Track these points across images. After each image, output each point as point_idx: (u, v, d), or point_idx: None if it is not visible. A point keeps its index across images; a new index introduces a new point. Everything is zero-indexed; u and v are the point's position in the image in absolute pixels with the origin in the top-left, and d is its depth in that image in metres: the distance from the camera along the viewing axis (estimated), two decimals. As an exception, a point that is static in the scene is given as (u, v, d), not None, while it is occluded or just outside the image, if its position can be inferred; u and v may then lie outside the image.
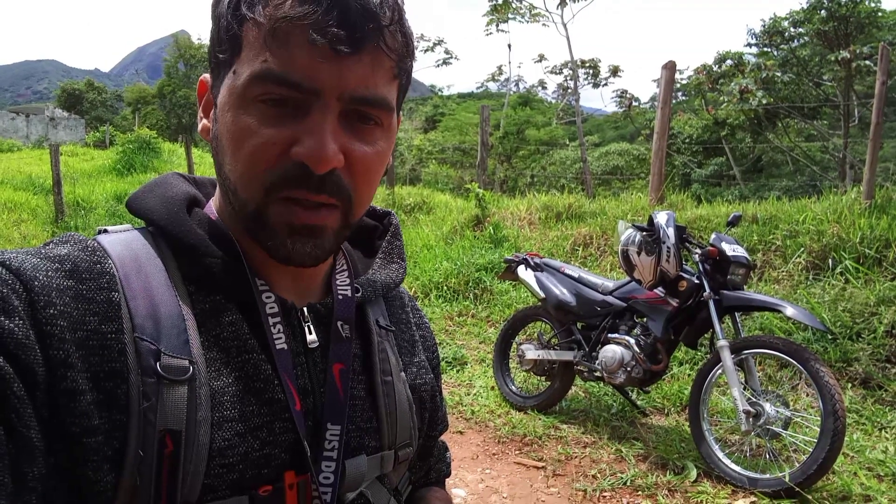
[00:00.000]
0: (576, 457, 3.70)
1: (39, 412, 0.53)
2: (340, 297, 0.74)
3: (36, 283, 0.56)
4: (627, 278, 3.98)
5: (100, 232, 0.69)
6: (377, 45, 0.61)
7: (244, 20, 0.61)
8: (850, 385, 4.21)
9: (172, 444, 0.58)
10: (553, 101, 37.26)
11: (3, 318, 0.52)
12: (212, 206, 0.74)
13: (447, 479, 1.02)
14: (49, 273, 0.58)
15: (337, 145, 0.61)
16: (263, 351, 0.67)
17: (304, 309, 0.72)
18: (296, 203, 0.62)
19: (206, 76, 0.70)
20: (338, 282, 0.76)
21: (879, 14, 17.10)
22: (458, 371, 5.14)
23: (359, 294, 0.76)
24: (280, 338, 0.68)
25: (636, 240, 3.75)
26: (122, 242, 0.66)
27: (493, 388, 4.72)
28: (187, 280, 0.66)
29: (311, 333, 0.71)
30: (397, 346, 0.82)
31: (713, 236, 3.75)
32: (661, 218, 3.74)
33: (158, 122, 33.71)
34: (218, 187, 0.72)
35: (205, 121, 0.71)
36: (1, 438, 0.50)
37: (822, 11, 17.15)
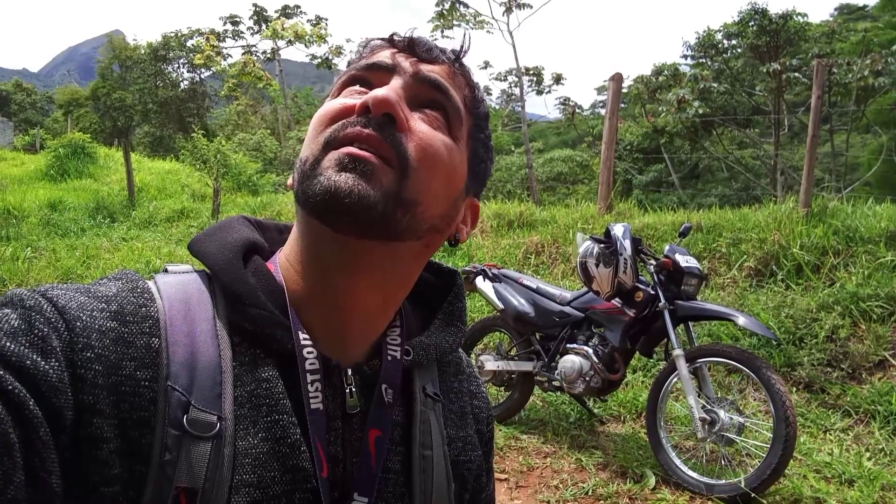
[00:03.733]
0: (537, 468, 3.73)
1: (62, 456, 0.52)
2: (389, 358, 0.70)
3: (78, 323, 0.55)
4: (584, 289, 4.05)
5: (165, 270, 0.68)
6: (452, 65, 0.70)
7: (348, 65, 0.72)
8: (794, 389, 4.39)
9: (187, 502, 0.56)
10: (498, 108, 37.65)
11: (39, 360, 0.51)
12: (276, 257, 0.72)
13: None
14: (94, 313, 0.57)
15: (401, 100, 0.65)
16: (297, 413, 0.63)
17: (349, 370, 0.68)
18: (350, 143, 0.62)
19: None
20: (388, 340, 0.72)
21: (807, 29, 17.94)
22: (415, 382, 5.12)
23: (409, 357, 0.72)
24: (316, 397, 0.64)
25: (594, 252, 3.81)
26: (178, 284, 0.65)
27: (451, 399, 4.71)
28: (233, 330, 0.64)
29: (351, 397, 0.67)
30: (444, 417, 0.76)
31: (667, 248, 3.86)
32: (618, 230, 3.82)
33: (92, 125, 32.32)
34: (290, 237, 0.72)
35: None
36: (21, 483, 0.48)
37: (753, 25, 17.89)
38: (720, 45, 20.09)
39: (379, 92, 0.63)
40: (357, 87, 0.68)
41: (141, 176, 14.19)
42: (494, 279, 4.51)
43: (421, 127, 0.65)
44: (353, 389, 0.67)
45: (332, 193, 0.59)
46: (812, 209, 5.91)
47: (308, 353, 0.65)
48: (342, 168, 0.60)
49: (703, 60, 20.89)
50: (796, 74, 15.42)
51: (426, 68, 0.68)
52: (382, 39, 0.70)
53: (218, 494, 0.57)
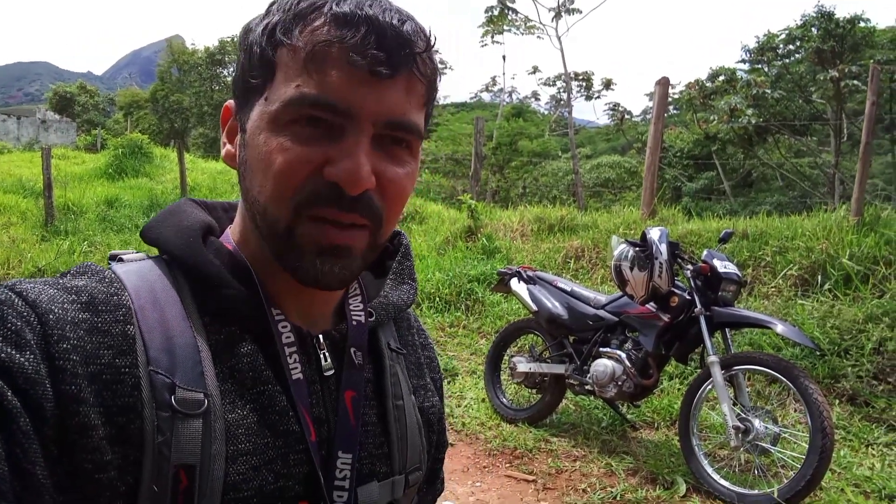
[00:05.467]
0: (566, 470, 3.70)
1: (48, 449, 0.52)
2: (354, 322, 0.74)
3: (51, 315, 0.56)
4: (619, 293, 4.01)
5: (113, 258, 0.69)
6: (411, 70, 0.62)
7: (279, 46, 0.62)
8: (837, 402, 4.25)
9: (187, 479, 0.58)
10: (546, 113, 37.45)
11: (14, 353, 0.52)
12: (228, 235, 0.74)
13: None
14: (65, 305, 0.58)
15: (370, 167, 0.61)
16: (279, 381, 0.66)
17: (320, 336, 0.71)
18: (326, 222, 0.63)
19: (231, 102, 0.71)
20: (351, 307, 0.76)
21: (873, 34, 17.33)
22: (448, 382, 5.14)
23: (372, 319, 0.76)
24: (296, 367, 0.67)
25: (629, 255, 3.78)
26: (138, 273, 0.66)
27: (483, 400, 4.72)
28: (203, 311, 0.66)
29: (326, 361, 0.71)
30: (406, 368, 0.82)
31: (705, 253, 3.79)
32: (654, 234, 3.77)
33: (151, 126, 33.46)
34: (239, 215, 0.72)
35: (228, 146, 0.71)
36: (5, 476, 0.49)
37: (815, 30, 17.35)
38: (780, 50, 19.56)
39: (348, 168, 0.60)
40: (306, 130, 0.61)
41: (194, 176, 14.62)
42: (529, 281, 4.51)
43: (390, 175, 0.64)
44: (326, 354, 0.71)
45: (320, 282, 0.65)
46: (864, 218, 5.71)
47: (283, 327, 0.68)
48: (322, 252, 0.63)
49: (760, 66, 20.38)
50: (855, 82, 14.88)
51: (389, 104, 0.62)
52: (335, 43, 0.60)
53: (216, 467, 0.59)
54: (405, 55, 0.61)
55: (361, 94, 0.60)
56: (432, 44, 0.65)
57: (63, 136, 33.99)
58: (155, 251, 0.71)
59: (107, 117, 43.63)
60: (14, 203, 11.51)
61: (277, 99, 0.62)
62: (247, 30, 0.66)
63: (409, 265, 0.85)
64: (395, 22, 0.61)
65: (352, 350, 0.72)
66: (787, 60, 19.50)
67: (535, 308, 4.36)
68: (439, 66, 0.68)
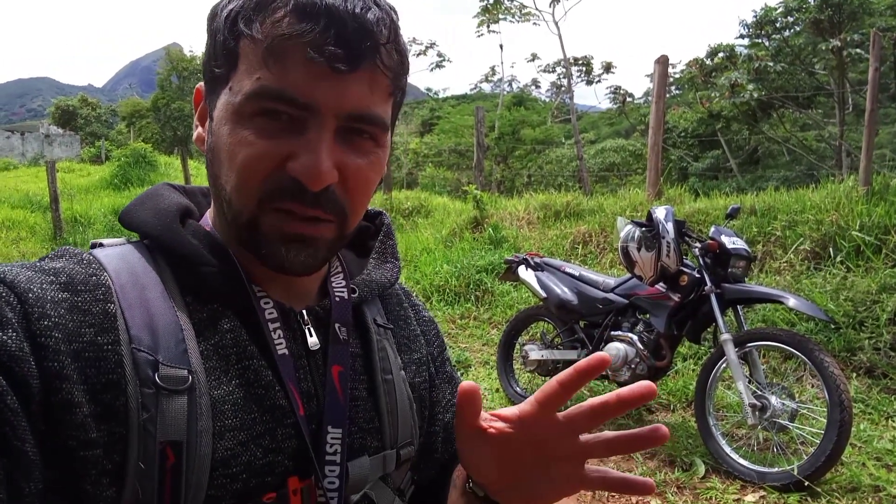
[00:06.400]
0: (583, 456, 3.68)
1: (35, 425, 0.52)
2: (337, 299, 0.74)
3: (30, 295, 0.56)
4: (628, 275, 3.98)
5: (95, 245, 0.69)
6: (374, 63, 0.61)
7: (241, 36, 0.61)
8: (854, 375, 4.20)
9: (174, 455, 0.57)
10: (547, 100, 37.28)
11: None
12: (207, 218, 0.74)
13: None
14: (43, 285, 0.58)
15: (332, 161, 0.61)
16: (264, 357, 0.66)
17: (304, 312, 0.72)
18: (289, 214, 0.63)
19: (202, 85, 0.71)
20: (333, 284, 0.76)
21: (871, 1, 17.12)
22: (462, 374, 5.12)
23: (355, 295, 0.76)
24: (281, 343, 0.67)
25: (635, 236, 3.74)
26: (118, 255, 0.66)
27: (497, 390, 4.70)
28: (184, 291, 0.66)
29: (311, 336, 0.71)
30: (396, 344, 0.82)
31: (712, 229, 3.74)
32: (660, 213, 3.73)
33: (154, 135, 33.63)
34: (212, 199, 0.72)
35: (199, 130, 0.71)
36: None
37: (811, 0, 17.15)
38: (778, 23, 19.36)
39: (310, 167, 0.60)
40: (269, 123, 0.61)
41: (199, 181, 14.60)
42: (537, 268, 4.47)
43: (353, 167, 0.64)
44: (311, 329, 0.71)
45: (286, 268, 0.66)
46: (873, 187, 5.64)
47: (265, 303, 0.68)
48: (286, 240, 0.64)
49: (759, 41, 20.18)
50: (858, 51, 14.69)
51: (351, 98, 0.61)
52: (293, 38, 0.59)
53: (203, 442, 0.59)
54: (367, 48, 0.60)
55: (322, 89, 0.60)
56: (398, 32, 0.64)
57: (67, 149, 34.18)
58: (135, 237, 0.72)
59: (110, 128, 43.80)
60: (22, 218, 11.59)
61: (240, 91, 0.62)
62: (213, 14, 0.65)
63: (392, 244, 0.86)
64: (357, 11, 0.59)
65: (336, 325, 0.72)
66: (786, 33, 19.28)
67: (544, 295, 4.33)
68: (407, 51, 0.67)
